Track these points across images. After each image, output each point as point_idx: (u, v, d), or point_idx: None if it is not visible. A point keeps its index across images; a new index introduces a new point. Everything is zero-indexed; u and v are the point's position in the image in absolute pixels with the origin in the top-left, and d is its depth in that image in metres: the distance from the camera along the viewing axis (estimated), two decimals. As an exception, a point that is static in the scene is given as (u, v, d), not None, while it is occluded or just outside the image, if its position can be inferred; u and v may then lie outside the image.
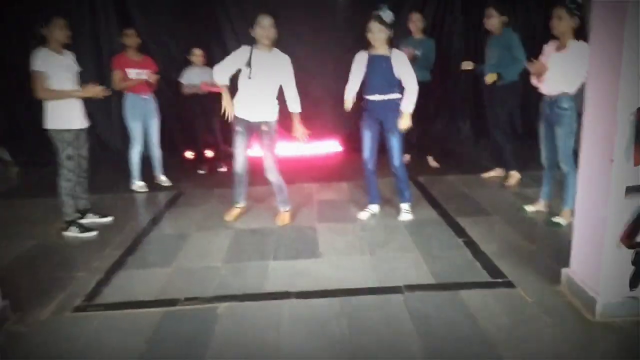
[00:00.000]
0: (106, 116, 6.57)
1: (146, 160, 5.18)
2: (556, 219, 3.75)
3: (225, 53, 6.23)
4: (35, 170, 6.08)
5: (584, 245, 2.67)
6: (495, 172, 5.11)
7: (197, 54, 5.53)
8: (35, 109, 6.11)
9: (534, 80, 3.77)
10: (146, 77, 4.83)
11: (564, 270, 2.81)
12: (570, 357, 2.24)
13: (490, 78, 4.64)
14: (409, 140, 4.90)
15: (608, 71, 2.37)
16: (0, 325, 2.59)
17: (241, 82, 3.75)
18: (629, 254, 2.44)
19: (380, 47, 3.70)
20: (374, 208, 4.12)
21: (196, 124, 5.73)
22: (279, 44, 3.78)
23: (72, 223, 3.88)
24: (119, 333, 2.53)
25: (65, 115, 3.72)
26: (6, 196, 5.21)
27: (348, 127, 6.48)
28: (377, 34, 3.62)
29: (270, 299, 2.81)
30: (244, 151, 3.90)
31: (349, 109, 3.91)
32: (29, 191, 5.32)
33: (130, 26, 5.17)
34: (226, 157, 6.01)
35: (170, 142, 5.96)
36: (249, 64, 3.65)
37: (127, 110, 4.91)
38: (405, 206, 4.02)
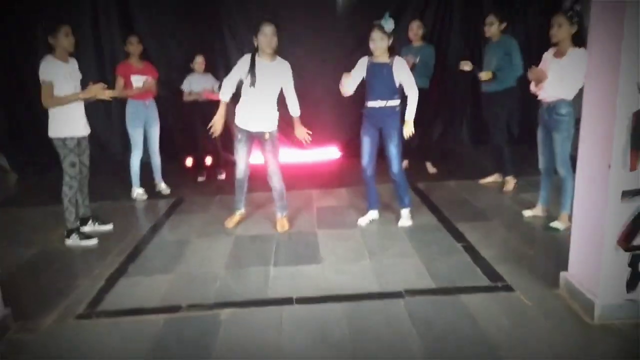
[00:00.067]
0: (106, 122, 6.60)
1: (145, 167, 5.20)
2: (554, 224, 3.79)
3: (227, 60, 6.39)
4: (33, 177, 6.10)
5: (582, 248, 2.70)
6: (493, 178, 5.15)
7: (199, 61, 5.58)
8: (34, 113, 6.19)
9: (532, 87, 3.82)
10: (142, 84, 4.84)
11: (562, 274, 2.84)
12: (570, 359, 2.27)
13: (485, 75, 4.68)
14: (408, 146, 4.93)
15: (606, 77, 2.41)
16: (2, 334, 2.60)
17: (243, 91, 3.79)
18: (626, 256, 2.47)
19: (381, 55, 3.75)
20: (374, 214, 4.15)
21: (196, 130, 5.75)
22: (280, 48, 3.81)
23: (73, 230, 3.89)
24: (123, 340, 2.55)
25: (69, 123, 3.75)
26: (5, 204, 5.22)
27: (347, 134, 6.54)
28: (379, 42, 3.67)
29: (272, 305, 2.83)
30: (246, 159, 3.94)
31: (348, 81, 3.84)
32: (27, 199, 5.33)
33: (134, 33, 5.21)
34: (225, 164, 6.07)
35: (170, 149, 5.97)
36: (251, 72, 3.68)
37: (128, 117, 4.94)
38: (405, 212, 4.05)
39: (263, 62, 3.71)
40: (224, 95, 3.82)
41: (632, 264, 2.47)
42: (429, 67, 5.33)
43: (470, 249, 3.49)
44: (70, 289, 3.11)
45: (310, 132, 4.00)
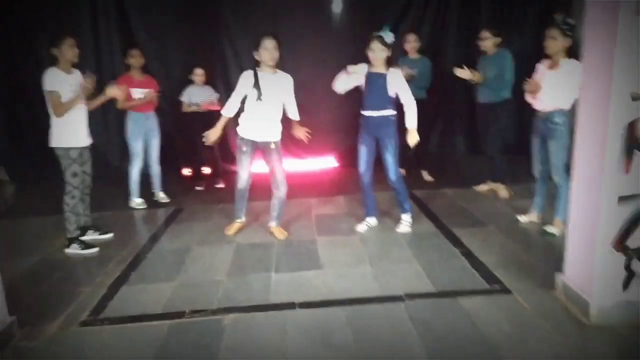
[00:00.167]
0: (104, 133, 6.63)
1: (144, 176, 5.23)
2: (549, 229, 3.86)
3: (226, 72, 6.46)
4: (31, 186, 6.10)
5: (577, 251, 2.77)
6: (488, 185, 5.23)
7: (199, 74, 5.64)
8: (32, 122, 6.23)
9: (528, 98, 3.91)
10: (144, 95, 4.90)
11: (558, 276, 2.91)
12: (568, 358, 2.32)
13: (474, 76, 4.77)
14: (405, 155, 5.01)
15: (599, 88, 2.49)
16: (7, 341, 2.62)
17: (249, 105, 3.83)
18: (620, 259, 2.54)
19: (379, 66, 3.83)
20: (372, 221, 4.21)
21: (195, 141, 5.80)
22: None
23: (73, 240, 3.92)
24: (127, 346, 2.57)
25: (71, 133, 3.79)
26: (3, 215, 5.22)
27: (344, 143, 6.61)
28: (378, 53, 3.77)
29: (275, 310, 2.87)
30: (249, 170, 3.99)
31: (355, 71, 3.91)
32: (26, 209, 5.33)
33: (135, 46, 5.27)
34: (224, 173, 6.12)
35: (168, 159, 6.01)
36: (256, 87, 3.74)
37: (129, 128, 4.99)
38: (406, 217, 4.11)
39: (266, 76, 3.78)
40: (228, 112, 3.87)
41: (626, 265, 2.54)
42: (425, 79, 5.44)
43: (468, 254, 3.55)
44: (72, 297, 3.13)
45: (310, 131, 4.07)
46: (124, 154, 6.63)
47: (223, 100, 6.14)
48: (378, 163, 4.10)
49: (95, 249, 3.92)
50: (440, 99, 6.37)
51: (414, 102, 3.88)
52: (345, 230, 4.21)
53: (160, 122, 5.25)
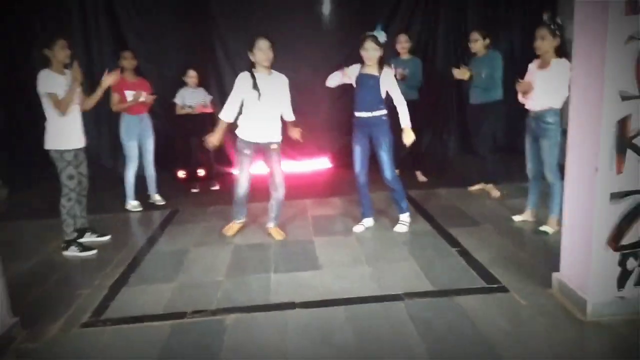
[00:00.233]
0: (96, 135, 6.61)
1: (139, 179, 5.22)
2: (543, 227, 3.92)
3: (219, 73, 6.47)
4: (24, 190, 6.07)
5: (572, 249, 2.82)
6: (481, 185, 5.29)
7: (192, 76, 5.65)
8: (22, 126, 6.21)
9: (520, 97, 3.97)
10: (143, 98, 4.91)
11: (554, 274, 2.96)
12: (565, 353, 2.37)
13: (461, 73, 4.84)
14: (398, 155, 5.05)
15: (591, 86, 2.55)
16: (10, 343, 2.62)
17: (248, 106, 3.83)
18: (615, 255, 2.59)
19: (372, 66, 3.87)
20: (368, 221, 4.24)
21: (189, 143, 5.82)
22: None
23: (71, 242, 3.91)
24: (130, 346, 2.58)
25: (66, 135, 3.78)
26: (-1, 218, 5.21)
27: (337, 144, 6.66)
28: (372, 52, 3.81)
29: (275, 309, 2.89)
30: (248, 174, 3.98)
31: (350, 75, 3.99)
32: (20, 212, 5.30)
33: (127, 48, 5.27)
34: (218, 175, 6.13)
35: (163, 161, 6.01)
36: (255, 87, 3.75)
37: (123, 130, 4.98)
38: (404, 217, 4.16)
39: (262, 77, 3.80)
40: (227, 117, 3.86)
41: (621, 262, 2.60)
42: (417, 79, 5.49)
43: (464, 253, 3.60)
44: (72, 299, 3.14)
45: (304, 132, 4.12)
46: (117, 157, 6.64)
47: (216, 102, 6.18)
48: (373, 163, 4.14)
49: (94, 251, 3.92)
50: (431, 98, 6.44)
51: (405, 102, 3.95)
52: (342, 230, 4.24)
53: (153, 124, 5.24)
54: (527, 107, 3.92)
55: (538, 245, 3.74)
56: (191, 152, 5.89)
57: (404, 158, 5.69)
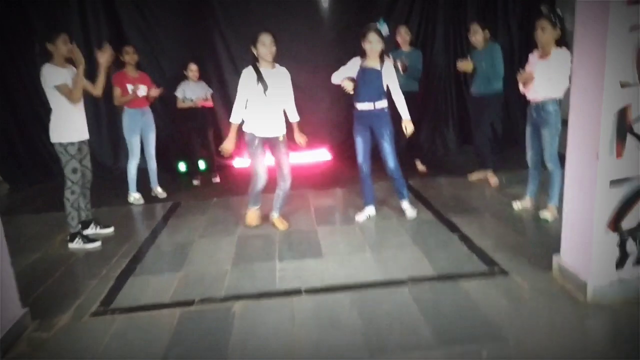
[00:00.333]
0: (96, 130, 6.61)
1: (140, 172, 5.24)
2: (543, 214, 3.98)
3: (218, 66, 6.48)
4: (24, 188, 6.09)
5: (573, 233, 2.87)
6: (480, 174, 5.34)
7: (193, 69, 5.66)
8: (21, 124, 6.21)
9: (521, 88, 4.01)
10: (144, 92, 4.93)
11: (555, 258, 3.02)
12: (567, 334, 2.43)
13: (465, 66, 4.90)
14: (398, 145, 5.10)
15: (592, 76, 2.58)
16: (22, 332, 2.66)
17: (254, 102, 3.82)
18: (615, 238, 2.65)
19: (374, 58, 3.91)
20: (370, 210, 4.29)
21: (190, 136, 5.84)
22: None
23: (76, 234, 3.94)
24: (140, 334, 2.63)
25: (69, 128, 3.80)
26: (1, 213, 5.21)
27: (337, 136, 6.71)
28: (375, 44, 3.84)
29: (282, 296, 2.94)
30: (265, 166, 3.98)
31: (351, 89, 4.03)
32: (22, 207, 5.33)
33: (128, 43, 5.29)
34: (219, 168, 6.16)
35: (164, 155, 6.04)
36: (261, 81, 3.76)
37: (126, 125, 5.00)
38: (405, 203, 4.23)
39: (266, 71, 3.81)
40: (237, 119, 3.86)
41: (620, 245, 2.65)
42: (417, 70, 5.52)
43: (465, 239, 3.66)
44: (80, 289, 3.18)
45: (307, 139, 4.15)
46: (116, 151, 6.66)
47: (217, 95, 6.20)
48: (373, 154, 4.19)
49: (98, 243, 3.96)
50: (430, 89, 6.49)
51: (402, 95, 4.01)
52: (344, 219, 4.29)
53: (154, 118, 5.26)
54: (528, 97, 3.96)
55: (538, 231, 3.80)
56: (192, 145, 5.91)
57: (403, 148, 5.74)
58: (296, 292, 2.98)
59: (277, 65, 3.90)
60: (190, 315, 2.77)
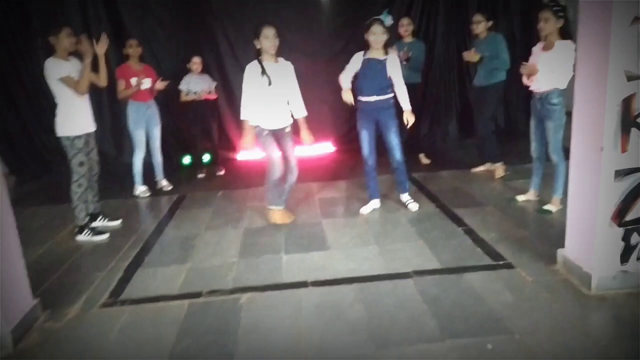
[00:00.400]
0: (99, 123, 6.61)
1: (145, 165, 5.26)
2: (547, 207, 4.00)
3: (220, 60, 6.48)
4: (29, 181, 6.13)
5: (577, 226, 2.89)
6: (484, 167, 5.35)
7: (196, 62, 5.67)
8: (24, 118, 6.23)
9: (525, 80, 4.01)
10: (149, 85, 4.96)
11: (559, 251, 3.04)
12: (572, 326, 2.45)
13: (471, 56, 4.90)
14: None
15: (596, 66, 2.59)
16: (33, 322, 2.71)
17: (259, 94, 3.80)
18: (619, 231, 2.67)
19: (378, 50, 3.92)
20: (375, 203, 4.31)
21: (194, 129, 5.87)
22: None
23: (84, 227, 3.98)
24: (149, 324, 2.67)
25: (76, 121, 3.83)
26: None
27: (340, 129, 6.72)
28: (380, 36, 3.85)
29: (288, 288, 2.98)
30: (278, 152, 3.94)
31: (351, 101, 4.08)
32: (28, 200, 5.36)
33: (132, 36, 5.29)
34: (223, 161, 6.19)
35: (168, 148, 6.06)
36: (265, 74, 3.76)
37: (131, 118, 5.02)
38: (406, 196, 4.27)
39: (269, 65, 3.81)
40: (248, 115, 3.84)
41: (625, 238, 2.67)
42: (420, 62, 5.52)
43: (470, 232, 3.68)
44: (89, 281, 3.22)
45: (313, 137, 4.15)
46: (120, 144, 6.68)
47: (220, 88, 6.21)
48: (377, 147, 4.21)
49: (106, 235, 4.00)
50: (433, 81, 6.48)
51: (405, 87, 4.03)
52: (348, 212, 4.32)
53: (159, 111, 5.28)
54: (532, 88, 3.96)
55: (542, 224, 3.81)
56: (196, 138, 5.93)
57: (405, 141, 5.75)
58: (302, 284, 3.02)
59: (280, 59, 3.91)
60: (198, 307, 2.82)
